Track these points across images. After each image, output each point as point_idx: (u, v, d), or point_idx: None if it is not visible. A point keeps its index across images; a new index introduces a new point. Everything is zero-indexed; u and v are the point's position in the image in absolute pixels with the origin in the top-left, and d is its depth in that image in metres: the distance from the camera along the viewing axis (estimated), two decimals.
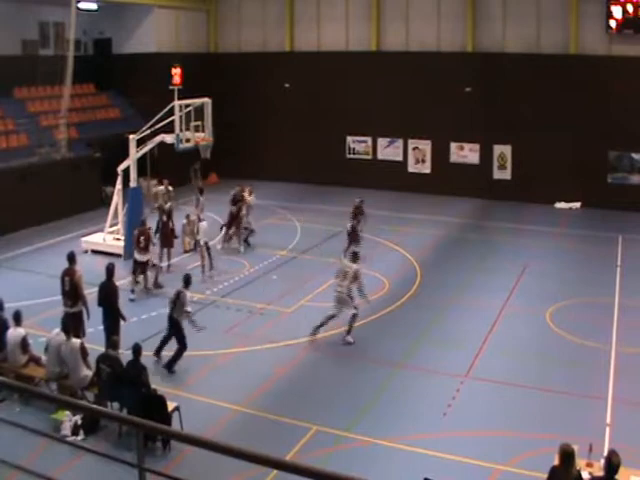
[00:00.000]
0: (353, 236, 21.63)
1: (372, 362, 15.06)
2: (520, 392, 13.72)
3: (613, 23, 28.72)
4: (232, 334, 16.41)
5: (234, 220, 22.95)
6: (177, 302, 14.55)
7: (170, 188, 24.39)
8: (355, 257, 16.29)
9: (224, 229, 23.27)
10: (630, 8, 28.29)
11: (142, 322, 16.88)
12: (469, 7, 30.80)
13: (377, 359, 15.22)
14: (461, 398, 13.45)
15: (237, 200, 23.07)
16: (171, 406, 11.83)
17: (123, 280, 18.47)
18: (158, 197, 24.37)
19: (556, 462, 9.06)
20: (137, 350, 12.24)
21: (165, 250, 20.85)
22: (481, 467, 11.06)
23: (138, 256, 18.89)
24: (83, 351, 12.85)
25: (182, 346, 14.50)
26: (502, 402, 13.38)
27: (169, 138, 22.13)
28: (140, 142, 22.70)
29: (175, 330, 14.56)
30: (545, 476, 9.28)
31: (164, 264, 20.57)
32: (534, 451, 11.35)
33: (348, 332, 15.95)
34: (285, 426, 12.38)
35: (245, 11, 35.16)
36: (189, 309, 14.66)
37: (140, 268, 18.98)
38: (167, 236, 20.97)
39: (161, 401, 11.68)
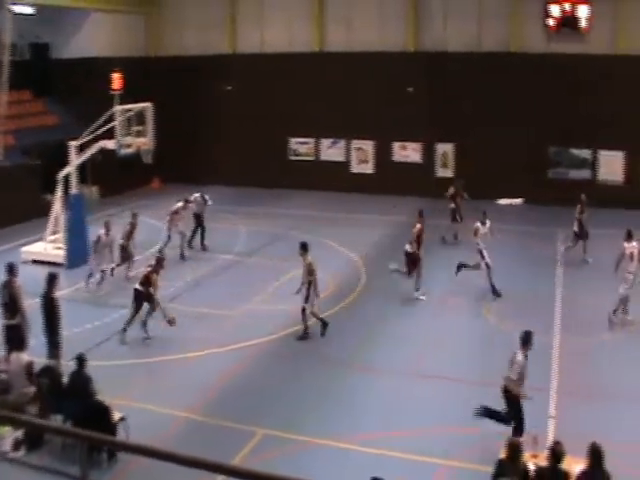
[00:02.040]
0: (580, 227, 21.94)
1: (318, 363, 15.10)
2: (465, 387, 13.89)
3: (551, 21, 29.40)
4: (177, 340, 16.22)
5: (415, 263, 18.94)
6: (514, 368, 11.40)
7: (207, 197, 23.62)
8: (630, 237, 17.07)
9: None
10: (567, 7, 29.01)
11: (88, 331, 16.56)
12: (411, 7, 31.11)
13: (323, 360, 15.25)
14: (408, 396, 13.57)
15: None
16: (116, 416, 11.65)
17: (65, 290, 18.14)
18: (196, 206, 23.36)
19: (503, 455, 9.21)
20: (82, 360, 12.00)
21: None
22: (429, 463, 11.18)
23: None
24: (29, 367, 12.55)
25: (519, 425, 11.24)
26: (448, 398, 13.53)
27: (110, 144, 21.83)
28: (81, 149, 22.34)
29: (510, 403, 11.43)
30: (491, 469, 9.43)
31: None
32: (481, 445, 11.49)
33: (615, 311, 16.95)
34: (232, 431, 12.29)
35: (186, 14, 34.86)
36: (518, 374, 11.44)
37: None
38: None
39: (106, 411, 11.49)
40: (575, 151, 30.23)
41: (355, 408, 13.14)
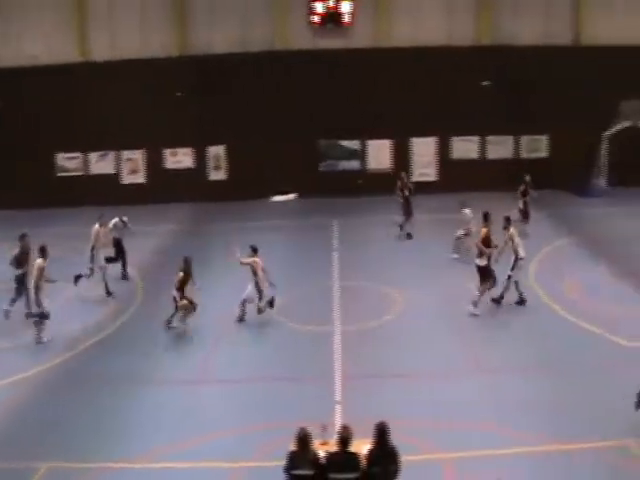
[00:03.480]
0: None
1: (100, 384, 14.33)
2: (252, 387, 13.96)
3: (316, 18, 30.33)
4: None
5: None
6: None
7: (125, 219, 21.58)
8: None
9: None
10: (331, 2, 30.14)
11: None
12: (174, 10, 30.81)
13: (105, 380, 14.49)
14: (194, 404, 13.39)
15: None
16: None
17: None
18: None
19: (293, 447, 9.25)
20: None
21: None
22: (223, 468, 11.04)
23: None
24: None
25: None
26: (237, 400, 13.54)
27: None
28: None
29: None
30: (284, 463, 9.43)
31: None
32: (273, 442, 11.46)
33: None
34: (10, 472, 11.25)
35: None
36: None
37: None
38: None
39: None
40: (345, 143, 31.49)
41: (144, 425, 12.70)
